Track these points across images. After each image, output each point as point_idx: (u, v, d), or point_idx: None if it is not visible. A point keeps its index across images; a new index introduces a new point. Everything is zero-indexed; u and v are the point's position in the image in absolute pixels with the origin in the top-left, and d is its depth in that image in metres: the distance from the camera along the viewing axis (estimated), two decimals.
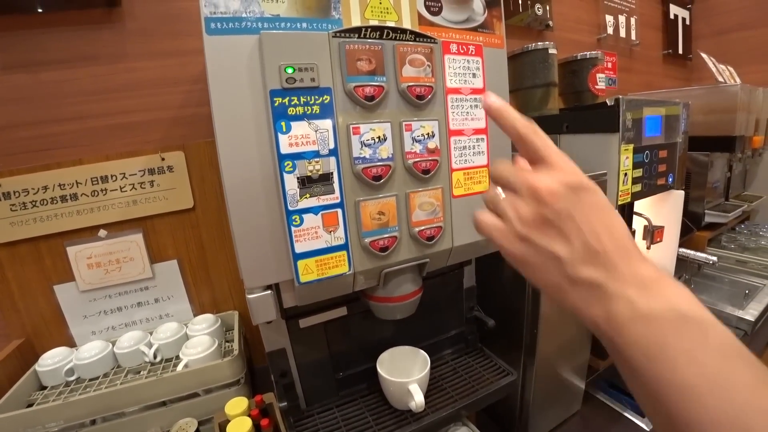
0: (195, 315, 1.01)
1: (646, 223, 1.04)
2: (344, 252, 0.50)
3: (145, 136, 0.95)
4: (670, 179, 1.02)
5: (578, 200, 0.30)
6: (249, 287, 0.49)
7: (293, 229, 0.47)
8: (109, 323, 0.95)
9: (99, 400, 0.74)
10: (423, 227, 0.53)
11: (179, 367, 0.81)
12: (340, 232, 0.49)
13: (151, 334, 0.92)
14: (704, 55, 1.64)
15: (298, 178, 0.47)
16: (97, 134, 0.92)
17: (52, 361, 0.83)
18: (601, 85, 1.10)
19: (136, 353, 0.88)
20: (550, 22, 1.57)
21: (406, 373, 0.65)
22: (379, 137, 0.49)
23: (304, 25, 0.48)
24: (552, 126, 0.91)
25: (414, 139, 0.51)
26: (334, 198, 0.48)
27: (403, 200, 0.52)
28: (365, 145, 0.49)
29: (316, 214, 0.48)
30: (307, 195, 0.47)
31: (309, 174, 0.47)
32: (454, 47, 0.54)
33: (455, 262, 0.62)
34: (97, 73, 0.90)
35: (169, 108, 0.96)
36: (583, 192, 0.30)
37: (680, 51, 2.21)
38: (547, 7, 1.57)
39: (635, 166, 0.87)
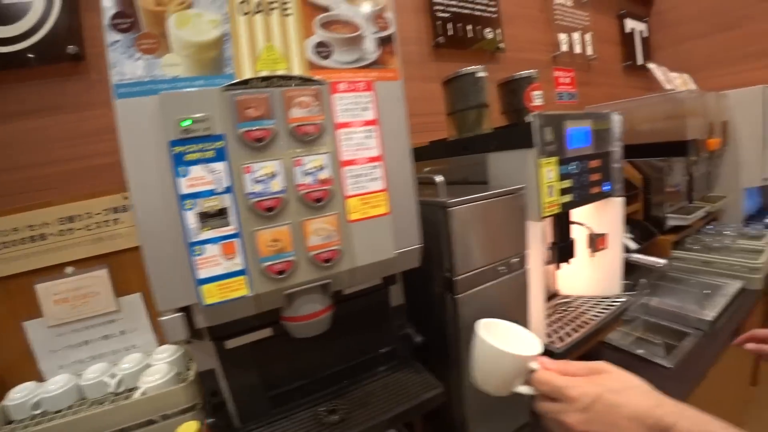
0: (159, 345, 1.06)
1: (589, 232, 1.09)
2: (243, 276, 0.55)
3: (109, 178, 1.03)
4: (606, 187, 1.06)
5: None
6: (161, 310, 0.55)
7: (195, 258, 0.53)
8: (77, 357, 1.01)
9: (59, 429, 0.79)
10: (319, 251, 0.58)
11: (136, 395, 0.86)
12: (239, 258, 0.55)
13: (116, 365, 0.98)
14: (652, 66, 1.71)
15: (197, 214, 0.53)
16: (66, 177, 1.00)
17: (19, 395, 0.88)
18: (537, 102, 1.15)
19: (100, 384, 0.93)
20: (501, 45, 1.65)
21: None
22: (270, 174, 0.56)
23: (201, 82, 0.55)
24: (483, 145, 0.97)
25: (305, 173, 0.57)
26: (231, 229, 0.54)
27: (297, 227, 0.57)
28: (257, 182, 0.55)
29: (216, 244, 0.54)
30: (207, 228, 0.53)
31: (207, 210, 0.53)
32: (342, 86, 0.61)
33: (367, 281, 0.67)
34: (66, 121, 1.00)
35: None
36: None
37: (640, 62, 2.28)
38: (498, 31, 1.65)
39: (562, 177, 0.91)
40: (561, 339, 0.96)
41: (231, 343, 0.68)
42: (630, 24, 2.30)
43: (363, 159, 0.62)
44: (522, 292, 0.85)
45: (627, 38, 2.30)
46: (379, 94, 0.64)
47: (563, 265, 1.07)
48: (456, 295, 0.74)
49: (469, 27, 1.56)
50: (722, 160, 1.98)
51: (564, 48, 1.92)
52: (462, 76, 1.04)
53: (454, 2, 1.53)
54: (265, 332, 0.70)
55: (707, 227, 1.93)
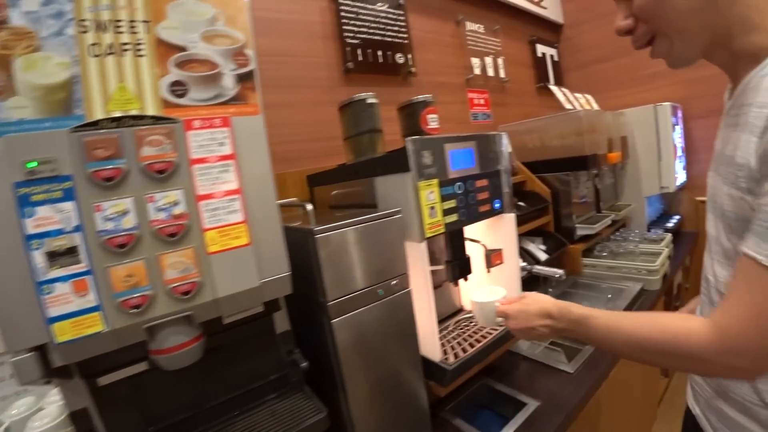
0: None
1: (486, 248, 1.15)
2: (98, 313, 0.56)
3: None
4: (497, 205, 1.13)
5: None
6: (11, 350, 0.55)
7: (44, 297, 0.54)
8: None
9: None
10: (177, 284, 0.60)
11: None
12: (91, 295, 0.56)
13: (5, 412, 0.93)
14: (553, 87, 1.84)
15: (46, 254, 0.54)
16: None
17: None
18: (433, 125, 1.22)
19: None
20: (413, 69, 1.74)
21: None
22: (121, 211, 0.57)
23: (48, 124, 0.56)
24: (371, 169, 1.01)
25: (158, 209, 0.59)
26: (81, 267, 0.55)
27: (153, 262, 0.59)
28: (108, 220, 0.56)
29: (66, 282, 0.55)
30: (56, 266, 0.54)
31: (55, 249, 0.54)
32: (197, 123, 0.63)
33: (238, 310, 0.69)
34: None
35: None
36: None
37: (552, 83, 2.45)
38: (409, 56, 1.73)
39: (446, 198, 0.96)
40: (456, 356, 1.00)
41: (104, 380, 0.67)
42: (541, 49, 2.49)
43: (220, 193, 0.64)
44: (407, 312, 0.89)
45: (539, 62, 2.48)
46: (237, 129, 0.66)
47: (462, 281, 1.12)
48: (332, 320, 0.76)
49: (380, 52, 1.64)
50: (625, 171, 2.16)
51: (477, 71, 2.04)
52: (354, 103, 1.09)
53: (364, 29, 1.60)
54: (141, 366, 0.70)
55: (616, 234, 2.08)
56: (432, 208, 0.94)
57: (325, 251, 0.75)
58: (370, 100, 1.09)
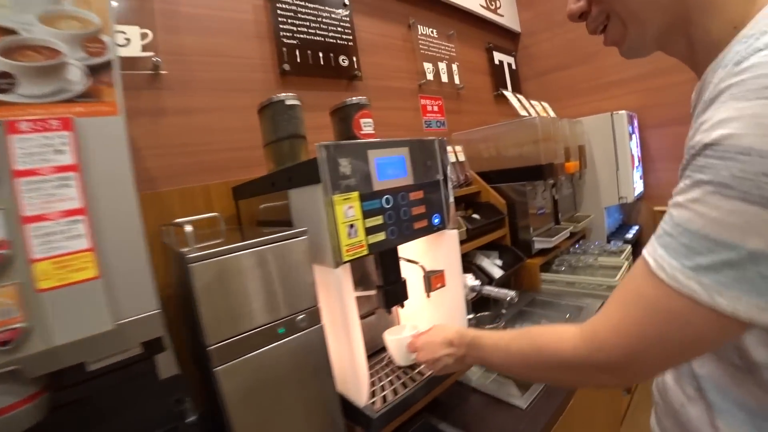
0: None
1: (425, 270, 1.02)
2: None
3: None
4: (436, 220, 1.00)
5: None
6: None
7: None
8: None
9: None
10: None
11: None
12: None
13: None
14: (508, 94, 1.75)
15: None
16: None
17: None
18: (367, 130, 1.09)
19: None
20: (358, 72, 1.62)
21: None
22: None
23: None
24: (285, 181, 0.87)
25: None
26: None
27: None
28: None
29: None
30: None
31: None
32: (24, 125, 0.49)
33: (90, 359, 0.54)
34: None
35: None
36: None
37: (509, 91, 2.39)
38: (354, 58, 1.61)
39: (369, 214, 0.82)
40: (385, 399, 0.86)
41: None
42: (498, 56, 2.43)
43: (56, 213, 0.50)
44: (319, 352, 0.75)
45: (497, 69, 2.41)
46: (85, 133, 0.53)
47: (398, 308, 0.99)
48: (215, 368, 0.61)
49: (321, 54, 1.51)
50: (583, 181, 2.09)
51: (430, 77, 1.94)
52: (272, 104, 0.96)
53: (303, 29, 1.47)
54: None
55: (575, 246, 2.00)
56: (351, 225, 0.80)
57: (202, 283, 0.60)
58: (289, 102, 0.95)
